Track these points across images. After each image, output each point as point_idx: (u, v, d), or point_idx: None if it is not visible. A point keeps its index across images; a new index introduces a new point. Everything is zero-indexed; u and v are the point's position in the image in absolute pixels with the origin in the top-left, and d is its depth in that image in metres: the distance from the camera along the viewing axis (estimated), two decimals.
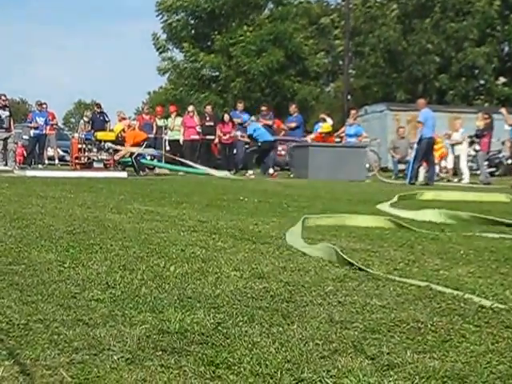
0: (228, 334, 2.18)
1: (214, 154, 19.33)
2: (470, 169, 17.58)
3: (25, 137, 21.38)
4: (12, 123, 18.48)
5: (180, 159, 16.69)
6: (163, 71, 34.85)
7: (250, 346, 2.05)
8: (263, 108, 19.60)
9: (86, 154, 15.92)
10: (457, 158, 17.56)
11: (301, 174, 15.76)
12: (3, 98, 18.20)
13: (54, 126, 22.28)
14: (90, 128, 19.73)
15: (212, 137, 18.71)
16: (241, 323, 2.31)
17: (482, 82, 34.38)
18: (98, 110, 20.43)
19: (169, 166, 16.98)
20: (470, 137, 17.32)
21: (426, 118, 14.81)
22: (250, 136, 17.37)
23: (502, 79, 34.29)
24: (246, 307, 2.53)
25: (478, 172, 17.27)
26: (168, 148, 19.18)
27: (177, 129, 19.07)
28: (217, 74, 33.38)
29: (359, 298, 2.72)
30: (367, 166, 17.34)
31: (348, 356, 1.98)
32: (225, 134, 18.51)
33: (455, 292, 2.82)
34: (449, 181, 17.16)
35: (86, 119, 21.49)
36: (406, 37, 33.54)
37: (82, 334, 2.13)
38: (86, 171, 14.40)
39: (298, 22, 33.20)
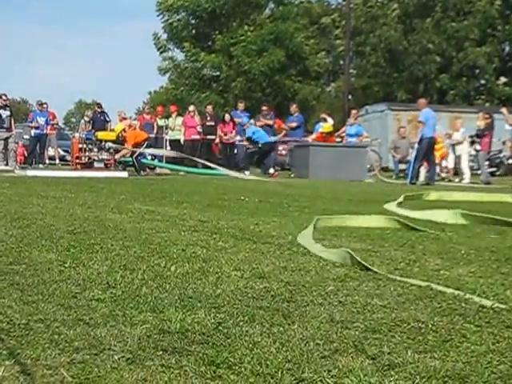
0: (229, 333, 2.18)
1: (214, 153, 19.33)
2: (471, 169, 17.57)
3: (25, 136, 21.38)
4: (13, 123, 18.50)
5: (198, 160, 16.62)
6: (164, 71, 34.87)
7: (250, 345, 2.05)
8: (264, 108, 19.61)
9: (87, 153, 15.92)
10: (458, 158, 17.55)
11: (301, 173, 15.77)
12: (4, 97, 18.21)
13: (55, 126, 22.30)
14: (90, 128, 19.73)
15: (213, 137, 18.72)
16: (241, 323, 2.31)
17: (482, 81, 34.38)
18: (99, 110, 20.43)
19: (169, 165, 16.98)
20: (471, 136, 17.31)
21: (426, 118, 14.81)
22: (249, 138, 17.35)
23: (502, 79, 34.28)
24: (247, 307, 2.53)
25: (479, 172, 17.26)
26: (169, 148, 19.18)
27: (177, 128, 19.08)
28: (218, 73, 33.39)
29: (360, 297, 2.72)
30: (368, 165, 17.34)
31: (349, 356, 1.98)
32: (225, 134, 18.52)
33: (456, 292, 2.82)
34: (450, 181, 17.15)
35: (86, 119, 21.50)
36: (407, 36, 33.55)
37: (82, 334, 2.13)
38: (86, 171, 14.40)
39: (299, 21, 33.19)
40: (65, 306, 2.48)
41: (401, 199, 7.81)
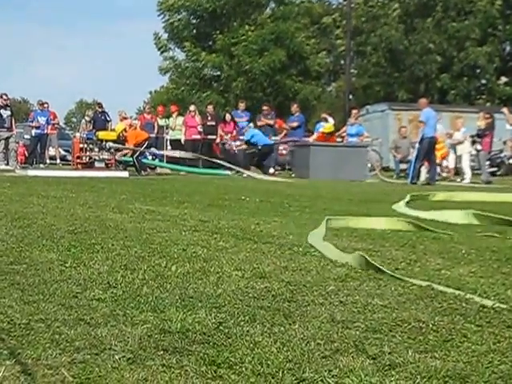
0: (229, 333, 2.18)
1: (215, 153, 19.32)
2: (472, 168, 17.56)
3: (26, 136, 21.36)
4: (13, 122, 18.50)
5: (216, 161, 16.60)
6: (165, 71, 34.82)
7: (251, 345, 2.05)
8: (265, 108, 19.60)
9: (88, 153, 15.91)
10: (459, 158, 17.54)
11: (302, 173, 15.76)
12: (4, 97, 18.22)
13: (56, 126, 22.28)
14: (91, 127, 19.71)
15: (213, 136, 18.71)
16: (242, 323, 2.31)
17: (483, 81, 34.34)
18: (100, 110, 20.42)
19: (170, 165, 16.98)
20: (472, 136, 17.30)
21: (427, 118, 14.80)
22: (247, 142, 17.33)
23: (503, 79, 34.26)
24: (248, 307, 2.53)
25: (480, 171, 17.25)
26: (169, 148, 19.18)
27: (178, 128, 19.08)
28: (218, 73, 33.36)
29: (361, 297, 2.72)
30: (369, 165, 17.33)
31: (349, 356, 1.98)
32: (226, 134, 18.52)
33: (457, 292, 2.82)
34: (451, 181, 17.14)
35: (87, 119, 21.49)
36: (408, 36, 33.52)
37: (83, 334, 2.14)
38: (87, 171, 14.40)
39: (300, 21, 33.14)
40: (66, 305, 2.48)
41: (407, 199, 7.72)
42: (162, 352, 1.99)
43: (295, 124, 19.08)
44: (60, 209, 5.97)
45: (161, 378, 1.78)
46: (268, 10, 34.21)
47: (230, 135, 18.46)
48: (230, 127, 18.53)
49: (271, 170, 16.95)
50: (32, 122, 20.08)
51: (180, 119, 19.27)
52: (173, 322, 2.28)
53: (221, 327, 2.25)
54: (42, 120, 19.78)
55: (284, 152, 21.40)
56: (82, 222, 4.99)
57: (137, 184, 10.60)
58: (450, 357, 1.99)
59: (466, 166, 17.18)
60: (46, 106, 20.55)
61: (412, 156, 15.94)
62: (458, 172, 18.14)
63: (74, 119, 79.11)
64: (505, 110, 16.46)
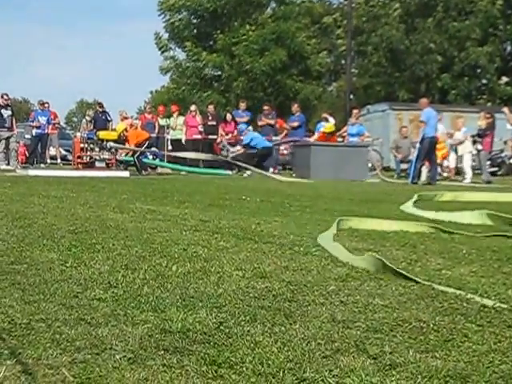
0: (230, 333, 2.18)
1: (216, 153, 19.32)
2: (472, 168, 17.54)
3: (27, 136, 21.36)
4: (14, 122, 18.49)
5: (237, 163, 16.58)
6: (165, 70, 34.83)
7: (252, 345, 2.05)
8: (266, 107, 19.61)
9: (88, 153, 15.92)
10: (460, 158, 17.53)
11: (303, 173, 15.74)
12: (5, 97, 18.21)
13: (56, 126, 22.28)
14: (92, 127, 19.71)
15: (214, 136, 18.72)
16: (243, 323, 2.31)
17: (484, 81, 34.31)
18: (100, 110, 20.42)
19: (171, 165, 16.98)
20: (473, 136, 17.28)
21: (428, 118, 14.79)
22: (246, 145, 17.30)
23: (504, 79, 34.24)
24: (248, 307, 2.53)
25: (480, 171, 17.23)
26: (170, 147, 19.18)
27: (179, 128, 19.08)
28: (219, 73, 33.36)
29: (361, 297, 2.72)
30: (369, 165, 17.32)
31: (350, 355, 1.98)
32: (227, 134, 18.51)
33: (457, 291, 2.82)
34: (451, 180, 17.12)
35: (88, 118, 21.50)
36: (409, 36, 33.50)
37: (84, 334, 2.14)
38: (88, 170, 14.41)
39: (301, 21, 33.14)
40: (66, 305, 2.48)
41: (415, 198, 7.64)
42: (162, 352, 1.99)
43: (296, 124, 19.08)
44: (61, 208, 5.97)
45: (161, 378, 1.78)
46: (269, 9, 34.22)
47: (230, 135, 18.45)
48: (231, 127, 18.53)
49: (271, 170, 16.95)
50: (33, 121, 20.09)
51: (181, 119, 19.28)
52: (173, 321, 2.28)
53: (221, 327, 2.25)
54: (42, 120, 19.78)
55: (285, 152, 21.41)
56: (83, 221, 4.99)
57: (137, 184, 10.61)
58: (451, 357, 1.99)
59: (467, 165, 17.16)
60: (46, 105, 20.55)
61: (413, 156, 15.93)
62: (458, 172, 18.13)
63: (75, 119, 79.13)
64: (505, 109, 16.43)
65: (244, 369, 1.85)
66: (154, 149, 17.30)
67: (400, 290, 2.86)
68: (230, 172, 16.27)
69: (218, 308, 2.50)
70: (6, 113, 17.99)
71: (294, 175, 17.02)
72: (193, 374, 1.82)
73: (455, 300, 2.69)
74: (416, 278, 3.06)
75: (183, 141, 18.63)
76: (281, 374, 1.81)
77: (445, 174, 18.01)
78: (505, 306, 2.61)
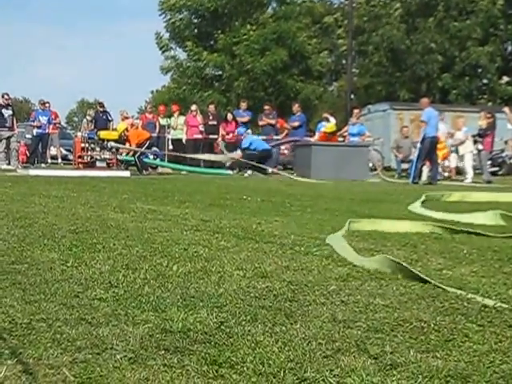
0: (231, 333, 2.18)
1: (216, 153, 19.32)
2: (473, 168, 17.53)
3: (28, 136, 21.37)
4: (15, 122, 18.50)
5: (253, 163, 16.57)
6: (166, 70, 34.83)
7: (252, 345, 2.05)
8: (266, 107, 19.61)
9: (89, 153, 15.92)
10: (461, 157, 17.52)
11: (304, 173, 15.73)
12: (6, 96, 18.22)
13: (57, 125, 22.28)
14: (92, 127, 19.72)
15: (215, 136, 18.72)
16: (244, 322, 2.30)
17: (485, 81, 34.30)
18: (101, 109, 20.42)
19: (171, 165, 16.99)
20: (473, 136, 17.28)
21: (429, 117, 14.79)
22: (246, 149, 17.28)
23: (505, 78, 34.23)
24: (249, 306, 2.53)
25: (481, 171, 17.22)
26: (171, 147, 19.19)
27: (180, 128, 19.09)
28: (220, 72, 33.37)
29: (362, 297, 2.72)
30: (370, 165, 17.32)
31: (351, 355, 1.98)
32: (228, 133, 18.51)
33: (458, 291, 2.82)
34: (452, 180, 17.12)
35: (88, 118, 21.49)
36: (410, 36, 33.50)
37: (84, 333, 2.14)
38: (88, 170, 14.41)
39: (302, 21, 33.13)
40: (67, 305, 2.48)
41: (423, 199, 7.57)
42: (163, 352, 1.99)
43: (296, 124, 19.07)
44: (61, 208, 5.97)
45: (162, 378, 1.78)
46: (270, 9, 34.22)
47: (231, 135, 18.44)
48: (232, 127, 18.53)
49: (270, 170, 16.93)
50: (33, 121, 20.09)
51: (181, 119, 19.29)
52: (174, 321, 2.28)
53: (222, 327, 2.25)
54: (43, 119, 19.79)
55: (286, 152, 21.39)
56: (84, 221, 4.99)
57: (138, 183, 10.61)
58: (452, 356, 1.99)
59: (468, 165, 17.15)
60: (47, 105, 20.55)
61: (414, 156, 15.92)
62: (459, 171, 18.12)
63: (76, 119, 79.15)
64: (506, 109, 16.42)
65: (245, 368, 1.85)
66: (154, 148, 17.30)
67: (401, 290, 2.86)
68: (230, 172, 16.26)
69: (218, 308, 2.50)
70: (7, 112, 18.00)
71: (294, 175, 17.02)
72: (193, 373, 1.82)
73: (456, 300, 2.68)
74: (433, 281, 2.98)
75: (184, 140, 18.63)
76: (282, 374, 1.81)
77: (446, 174, 18.00)
78: (506, 305, 2.60)
